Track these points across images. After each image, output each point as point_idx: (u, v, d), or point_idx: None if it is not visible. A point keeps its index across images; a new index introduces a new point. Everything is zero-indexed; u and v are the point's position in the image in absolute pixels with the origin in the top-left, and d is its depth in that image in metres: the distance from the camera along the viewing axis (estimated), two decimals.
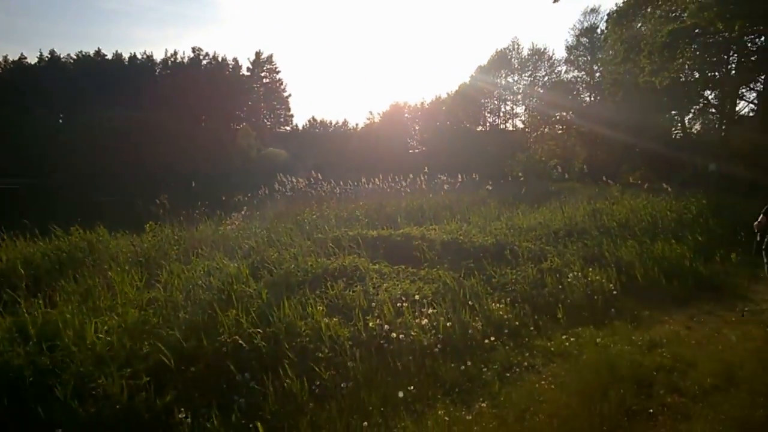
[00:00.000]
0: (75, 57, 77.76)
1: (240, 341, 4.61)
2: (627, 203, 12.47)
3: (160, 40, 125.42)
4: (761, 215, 6.29)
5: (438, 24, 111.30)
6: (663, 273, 7.53)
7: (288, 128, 65.49)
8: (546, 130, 30.67)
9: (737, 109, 27.13)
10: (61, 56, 77.68)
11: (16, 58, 76.69)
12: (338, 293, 6.17)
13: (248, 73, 73.02)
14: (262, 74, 73.57)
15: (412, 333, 5.21)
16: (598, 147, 26.64)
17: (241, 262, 6.84)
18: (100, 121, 56.51)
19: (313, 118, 67.02)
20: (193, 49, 74.68)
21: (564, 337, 5.52)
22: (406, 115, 36.52)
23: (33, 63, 77.10)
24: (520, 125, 33.72)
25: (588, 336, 5.48)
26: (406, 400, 4.19)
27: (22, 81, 70.67)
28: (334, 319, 5.35)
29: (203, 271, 6.45)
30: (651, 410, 3.74)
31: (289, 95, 71.10)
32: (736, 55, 24.16)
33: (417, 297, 6.10)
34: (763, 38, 21.72)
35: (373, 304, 5.85)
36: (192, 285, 5.95)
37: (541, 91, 31.89)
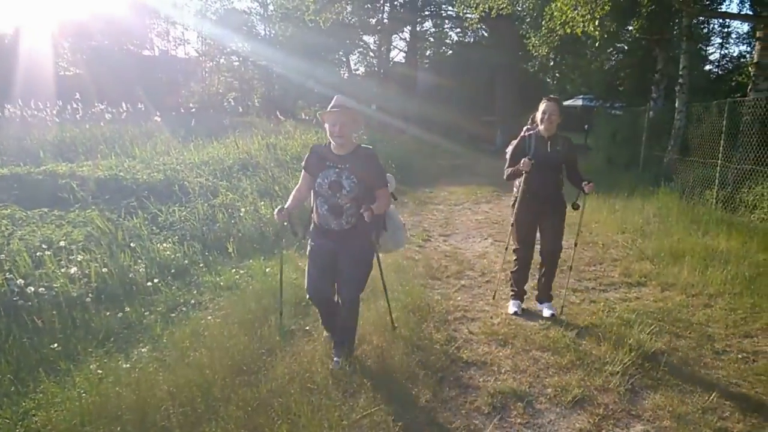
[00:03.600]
0: None
1: None
2: (299, 138, 13.19)
3: None
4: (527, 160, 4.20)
5: None
6: None
7: None
8: (222, 60, 29.71)
9: (392, 55, 31.48)
10: None
11: None
12: None
13: None
14: None
15: (56, 285, 4.50)
16: (276, 82, 27.30)
17: None
18: None
19: None
20: None
21: (234, 270, 5.61)
22: (53, 30, 29.92)
23: None
24: (194, 53, 31.87)
25: (257, 267, 5.69)
26: (48, 360, 3.69)
27: None
28: None
29: None
30: (307, 327, 4.10)
31: None
32: (388, 4, 27.65)
33: (63, 243, 5.27)
34: None
35: (2, 256, 4.81)
36: None
37: (214, 17, 30.44)
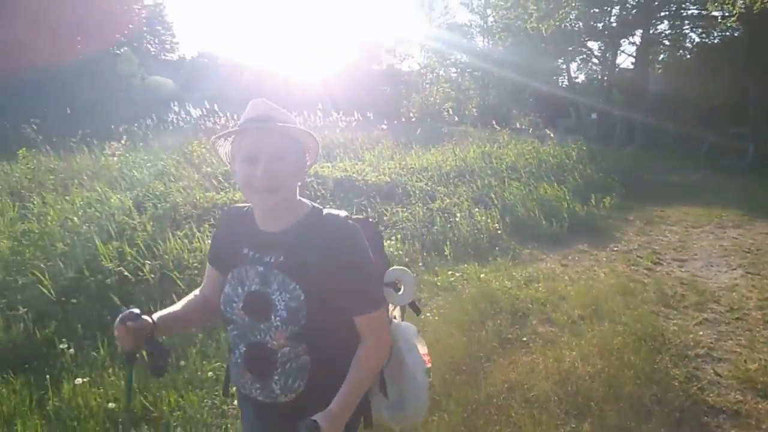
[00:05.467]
0: None
1: (126, 273, 4.34)
2: (514, 147, 13.07)
3: None
4: None
5: None
6: (543, 214, 8.06)
7: (174, 56, 60.42)
8: (441, 72, 31.03)
9: (618, 61, 29.17)
10: None
11: None
12: None
13: None
14: None
15: None
16: (491, 92, 27.57)
17: (124, 194, 6.34)
18: None
19: (203, 50, 62.61)
20: None
21: (450, 272, 5.78)
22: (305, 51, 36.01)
23: None
24: (416, 66, 33.84)
25: (472, 272, 5.78)
26: None
27: None
28: None
29: (83, 203, 5.91)
30: (524, 338, 4.03)
31: (172, 22, 65.52)
32: (618, 6, 25.63)
33: None
34: None
35: None
36: (69, 217, 5.44)
37: (437, 32, 31.97)
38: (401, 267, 1.65)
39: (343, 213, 1.49)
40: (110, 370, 3.47)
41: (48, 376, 3.31)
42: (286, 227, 1.46)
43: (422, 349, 1.64)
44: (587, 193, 9.84)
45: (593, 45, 29.61)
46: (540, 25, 18.12)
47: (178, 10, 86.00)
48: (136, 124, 13.39)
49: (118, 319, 1.42)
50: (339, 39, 29.15)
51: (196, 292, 1.71)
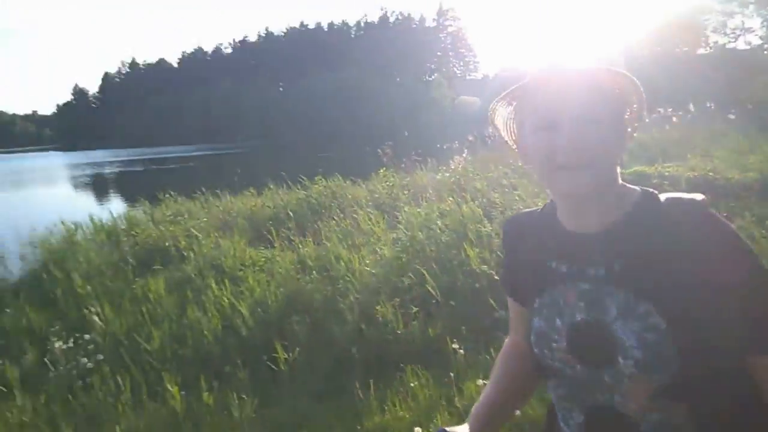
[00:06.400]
0: (285, 30, 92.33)
1: (495, 277, 4.56)
2: None
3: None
4: None
5: None
6: None
7: (478, 75, 65.11)
8: None
9: None
10: (274, 32, 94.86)
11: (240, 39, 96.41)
12: None
13: (434, 24, 74.68)
14: (447, 23, 74.28)
15: None
16: None
17: (470, 204, 6.79)
18: (312, 86, 63.88)
19: (505, 65, 65.49)
20: (381, 9, 79.75)
21: None
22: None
23: (254, 41, 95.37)
24: (757, 41, 27.92)
25: None
26: None
27: (246, 57, 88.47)
28: None
29: (436, 213, 6.55)
30: None
31: (473, 43, 71.17)
32: None
33: None
34: None
35: None
36: (429, 225, 6.07)
37: None
38: None
39: (698, 196, 0.96)
40: None
41: (452, 374, 3.52)
42: (612, 223, 0.96)
43: None
44: None
45: None
46: None
47: (478, 31, 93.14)
48: (456, 142, 14.49)
49: None
50: (652, 26, 26.31)
51: (507, 346, 1.29)
